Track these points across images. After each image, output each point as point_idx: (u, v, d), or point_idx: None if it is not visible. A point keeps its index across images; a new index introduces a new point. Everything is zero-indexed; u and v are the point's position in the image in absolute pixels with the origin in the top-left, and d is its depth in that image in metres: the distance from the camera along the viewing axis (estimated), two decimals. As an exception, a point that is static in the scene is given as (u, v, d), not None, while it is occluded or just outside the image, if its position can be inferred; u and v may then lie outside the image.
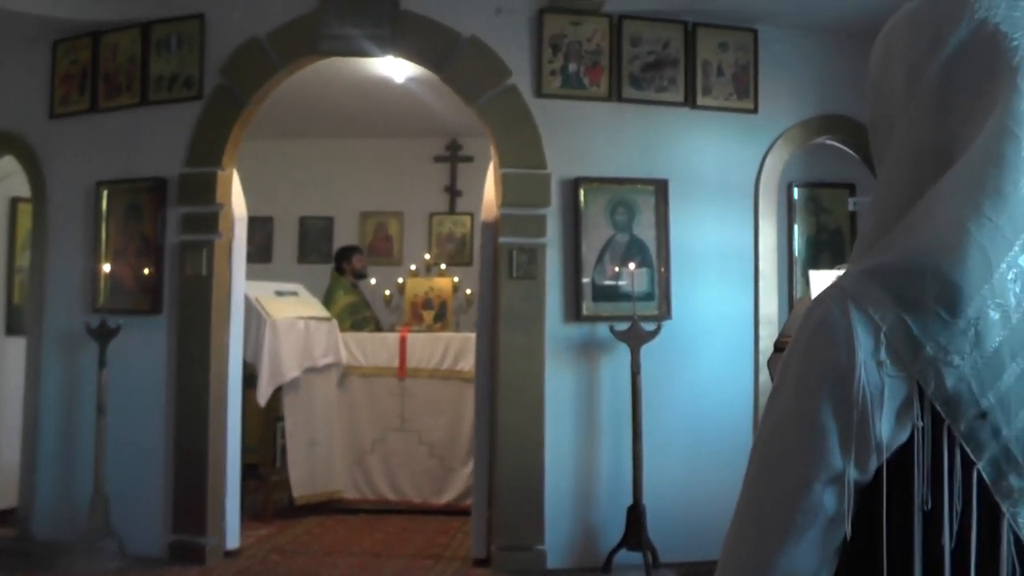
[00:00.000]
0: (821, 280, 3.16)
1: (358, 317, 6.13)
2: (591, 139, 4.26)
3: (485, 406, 4.23)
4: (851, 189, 4.68)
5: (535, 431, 4.08)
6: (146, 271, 4.32)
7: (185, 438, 4.21)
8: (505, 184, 4.18)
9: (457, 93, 4.28)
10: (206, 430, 4.19)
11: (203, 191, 4.27)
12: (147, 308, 4.31)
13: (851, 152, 4.45)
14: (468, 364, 5.07)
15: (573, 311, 4.19)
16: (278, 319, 5.04)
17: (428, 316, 5.94)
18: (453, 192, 7.52)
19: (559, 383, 4.15)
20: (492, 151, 4.30)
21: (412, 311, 6.00)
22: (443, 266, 6.46)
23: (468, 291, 6.18)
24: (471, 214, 7.33)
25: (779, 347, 3.13)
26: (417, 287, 6.08)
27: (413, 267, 6.41)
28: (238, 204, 4.47)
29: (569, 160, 4.23)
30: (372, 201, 7.52)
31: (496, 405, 4.12)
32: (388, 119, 6.59)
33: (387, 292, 6.19)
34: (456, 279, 6.18)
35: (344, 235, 7.45)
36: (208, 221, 4.29)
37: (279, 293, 5.43)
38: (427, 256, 6.67)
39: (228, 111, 4.28)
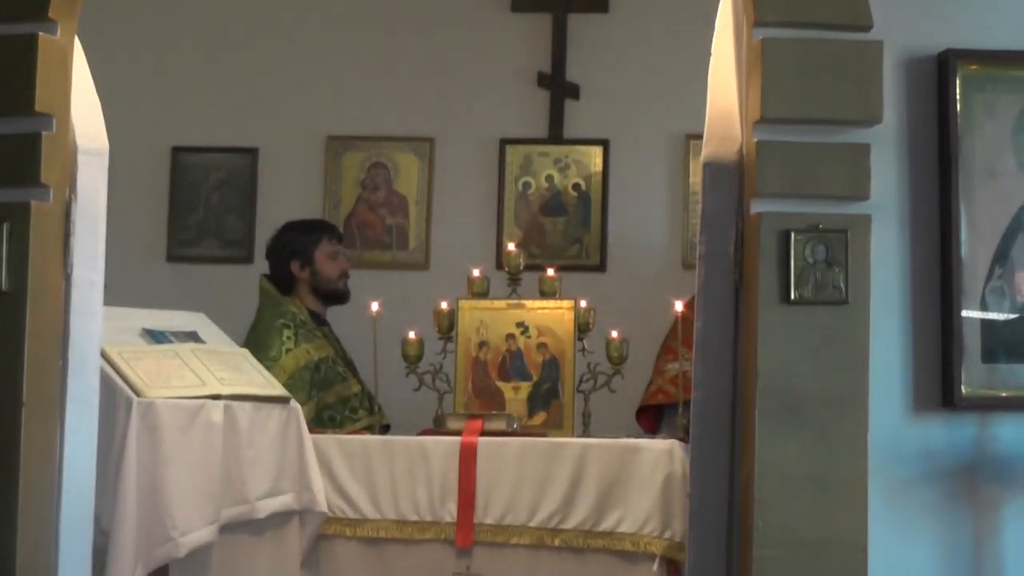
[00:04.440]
0: None
1: (330, 398, 6.42)
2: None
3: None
4: None
5: None
6: None
7: None
8: (769, 68, 4.10)
9: None
10: None
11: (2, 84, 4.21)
12: None
13: None
14: (633, 514, 5.22)
15: (937, 386, 4.19)
16: (157, 400, 4.99)
17: (516, 395, 6.03)
18: (560, 87, 7.75)
19: (904, 561, 4.15)
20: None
21: (476, 384, 6.09)
22: (549, 272, 6.36)
23: (615, 334, 6.13)
24: (604, 142, 7.66)
25: None
26: (488, 325, 6.19)
27: (476, 272, 6.46)
28: (86, 115, 4.41)
29: (924, 11, 4.26)
30: (356, 114, 7.85)
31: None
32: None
33: (411, 335, 6.24)
34: (584, 304, 6.19)
35: (284, 193, 7.73)
36: (17, 155, 4.18)
37: (152, 334, 5.49)
38: (510, 247, 6.59)
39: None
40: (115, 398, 4.82)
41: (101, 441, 4.62)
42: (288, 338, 6.27)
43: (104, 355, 4.83)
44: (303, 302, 6.50)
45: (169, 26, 7.94)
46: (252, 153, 7.82)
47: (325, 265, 6.54)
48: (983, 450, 4.11)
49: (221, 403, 5.08)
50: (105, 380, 4.75)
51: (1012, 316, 4.14)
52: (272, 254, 6.66)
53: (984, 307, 4.13)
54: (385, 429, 6.39)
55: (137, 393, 4.86)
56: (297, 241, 6.58)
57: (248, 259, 7.66)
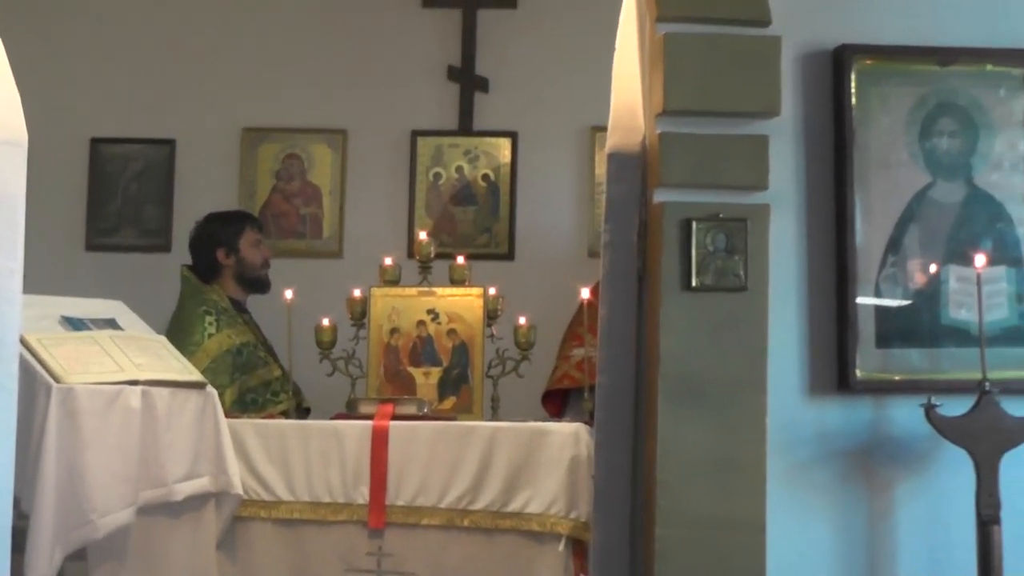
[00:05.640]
0: None
1: (253, 382, 6.40)
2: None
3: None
4: None
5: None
6: None
7: None
8: (671, 62, 4.17)
9: None
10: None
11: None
12: None
13: None
14: (540, 495, 5.25)
15: (833, 370, 4.26)
16: (76, 385, 4.93)
17: (427, 379, 6.03)
18: (470, 80, 7.82)
19: (801, 540, 4.21)
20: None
21: (388, 369, 6.09)
22: (459, 260, 6.38)
23: (523, 320, 6.15)
24: (512, 134, 7.74)
25: None
26: (400, 312, 6.17)
27: (388, 261, 6.42)
28: (4, 106, 4.29)
29: (821, 7, 4.34)
30: (271, 106, 7.87)
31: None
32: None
33: (324, 321, 6.19)
34: (492, 291, 6.19)
35: (201, 184, 7.80)
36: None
37: (70, 321, 5.41)
38: (422, 235, 6.58)
39: None
40: (34, 384, 4.76)
41: (20, 426, 4.54)
42: (210, 324, 6.31)
43: (23, 342, 4.77)
44: (225, 290, 6.53)
45: (88, 19, 7.88)
46: (169, 144, 7.80)
47: (250, 252, 6.59)
48: (877, 432, 4.19)
49: (139, 388, 5.02)
50: (24, 366, 4.69)
51: (905, 302, 4.19)
52: (197, 243, 6.68)
53: (878, 294, 4.19)
54: (306, 413, 6.41)
55: (56, 379, 4.80)
56: (222, 230, 6.60)
57: (166, 248, 7.65)
